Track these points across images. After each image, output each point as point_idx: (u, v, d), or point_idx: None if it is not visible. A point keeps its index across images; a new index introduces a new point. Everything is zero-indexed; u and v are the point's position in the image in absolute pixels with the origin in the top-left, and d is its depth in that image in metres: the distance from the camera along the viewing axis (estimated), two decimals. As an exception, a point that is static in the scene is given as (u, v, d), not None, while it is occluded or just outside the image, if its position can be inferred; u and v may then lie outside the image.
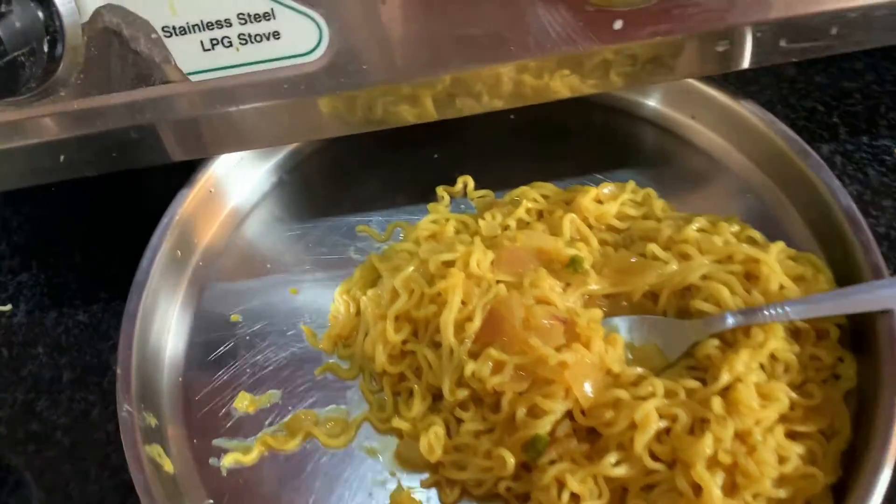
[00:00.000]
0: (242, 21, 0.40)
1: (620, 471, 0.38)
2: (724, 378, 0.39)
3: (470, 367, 0.40)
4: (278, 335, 0.46)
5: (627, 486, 0.39)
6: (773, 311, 0.40)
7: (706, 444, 0.37)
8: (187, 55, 0.41)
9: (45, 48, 0.38)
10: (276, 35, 0.40)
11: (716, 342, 0.41)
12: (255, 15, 0.40)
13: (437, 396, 0.43)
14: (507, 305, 0.42)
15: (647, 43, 0.43)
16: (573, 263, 0.44)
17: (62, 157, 0.44)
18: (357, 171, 0.52)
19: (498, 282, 0.43)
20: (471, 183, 0.51)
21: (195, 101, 0.42)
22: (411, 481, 0.42)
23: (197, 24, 0.40)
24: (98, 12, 0.39)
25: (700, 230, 0.45)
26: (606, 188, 0.48)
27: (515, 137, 0.52)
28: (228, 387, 0.45)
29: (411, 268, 0.44)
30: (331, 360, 0.45)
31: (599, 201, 0.48)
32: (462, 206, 0.51)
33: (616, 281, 0.44)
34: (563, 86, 0.45)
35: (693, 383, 0.40)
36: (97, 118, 0.42)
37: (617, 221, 0.47)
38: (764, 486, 0.37)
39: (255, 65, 0.41)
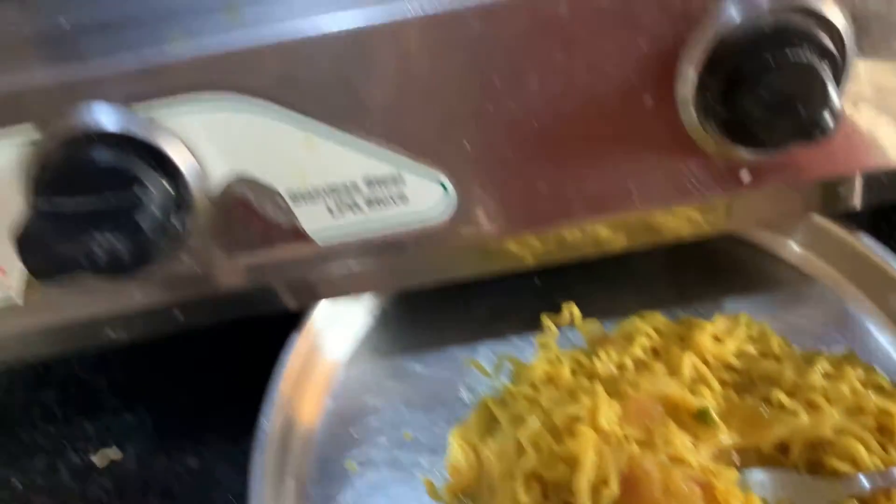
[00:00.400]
0: (369, 184, 0.40)
1: None
2: None
3: None
4: (399, 483, 0.46)
5: None
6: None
7: None
8: (313, 218, 0.40)
9: (176, 223, 0.38)
10: (402, 198, 0.40)
11: (854, 502, 0.41)
12: (382, 179, 0.40)
13: None
14: (643, 469, 0.41)
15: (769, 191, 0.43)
16: (702, 415, 0.43)
17: (179, 315, 0.44)
18: (458, 299, 0.52)
19: (628, 438, 0.42)
20: (576, 311, 0.50)
21: (318, 262, 0.42)
22: None
23: (324, 189, 0.40)
24: (226, 181, 0.39)
25: (825, 375, 0.45)
26: (721, 323, 0.48)
27: (616, 261, 0.51)
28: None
29: (536, 422, 0.43)
30: (455, 513, 0.44)
31: (717, 338, 0.47)
32: (569, 334, 0.50)
33: (745, 433, 0.43)
34: (680, 227, 0.45)
35: None
36: (219, 280, 0.42)
37: (735, 360, 0.47)
38: None
39: (381, 226, 0.41)
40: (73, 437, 0.50)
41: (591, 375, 0.47)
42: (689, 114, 0.38)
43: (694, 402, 0.44)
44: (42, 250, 0.35)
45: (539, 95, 0.38)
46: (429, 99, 0.38)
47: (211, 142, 0.38)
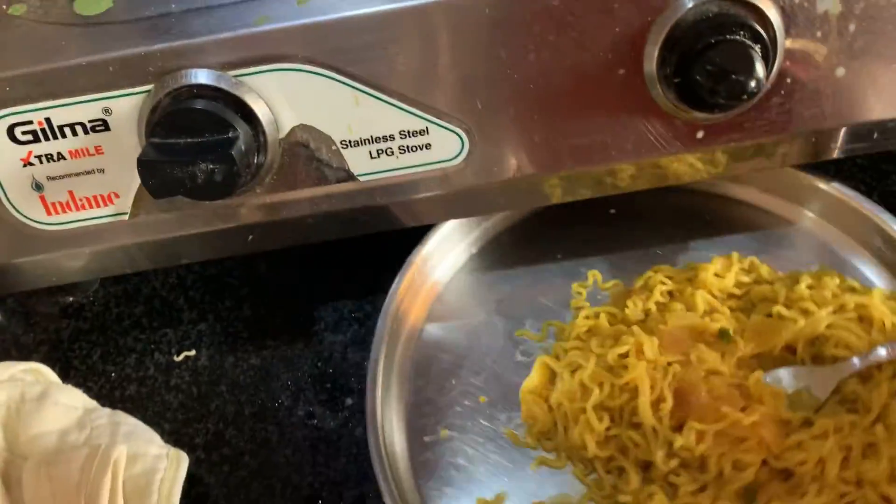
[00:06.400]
0: (403, 136, 0.51)
1: (822, 499, 0.48)
2: (876, 408, 0.50)
3: (679, 441, 0.49)
4: (484, 440, 0.54)
5: None
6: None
7: (884, 465, 0.48)
8: (358, 161, 0.52)
9: (255, 159, 0.49)
10: (428, 146, 0.51)
11: (855, 379, 0.52)
12: (413, 131, 0.51)
13: (644, 468, 0.51)
14: (689, 382, 0.51)
15: (724, 148, 0.53)
16: (723, 335, 0.54)
17: (250, 237, 0.55)
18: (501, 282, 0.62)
19: (669, 363, 0.53)
20: (599, 276, 0.61)
21: (361, 196, 0.53)
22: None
23: (367, 139, 0.51)
24: (293, 130, 0.50)
25: (809, 287, 0.56)
26: (718, 262, 0.58)
27: (619, 231, 0.63)
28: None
29: (592, 363, 0.53)
30: (539, 454, 0.53)
31: (717, 275, 0.58)
32: (598, 296, 0.59)
33: (758, 342, 0.54)
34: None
35: (851, 417, 0.50)
36: (283, 209, 0.53)
37: (736, 290, 0.57)
38: None
39: (410, 168, 0.52)
40: (157, 342, 0.62)
41: (625, 322, 0.57)
42: (654, 83, 0.49)
43: (713, 326, 0.54)
44: (156, 173, 0.46)
45: (535, 67, 0.49)
46: (449, 69, 0.49)
47: (282, 98, 0.49)
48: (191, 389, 0.59)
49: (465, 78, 0.49)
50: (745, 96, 0.45)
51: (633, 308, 0.57)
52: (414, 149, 0.51)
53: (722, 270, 0.58)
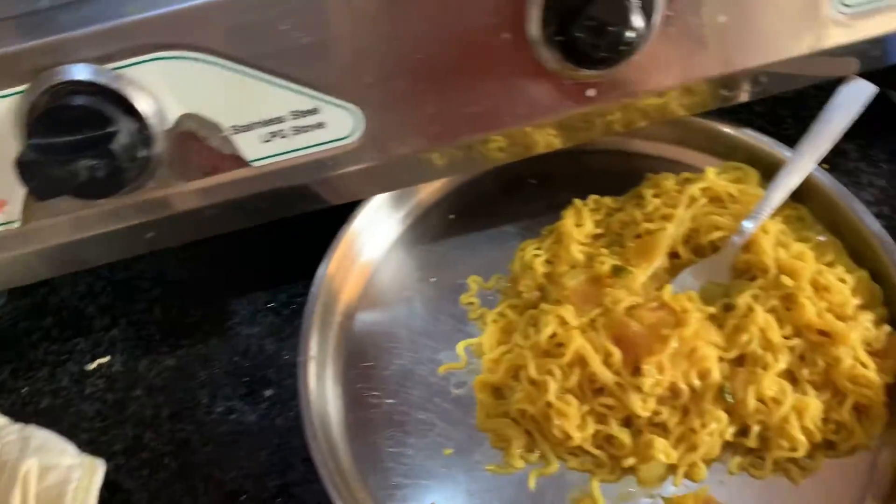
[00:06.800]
0: (294, 117, 0.50)
1: (781, 364, 0.51)
2: (772, 264, 0.54)
3: (646, 381, 0.50)
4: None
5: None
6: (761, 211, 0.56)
7: (807, 307, 0.51)
8: (250, 146, 0.51)
9: (141, 153, 0.48)
10: (321, 125, 0.50)
11: (739, 253, 0.55)
12: (304, 111, 0.50)
13: (627, 425, 0.52)
14: (620, 325, 0.52)
15: (615, 104, 0.54)
16: (618, 271, 0.55)
17: (149, 235, 0.54)
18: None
19: (593, 320, 0.53)
20: (479, 280, 0.60)
21: (258, 182, 0.52)
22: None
23: (257, 122, 0.50)
24: (180, 119, 0.49)
25: (655, 196, 0.59)
26: (570, 214, 0.59)
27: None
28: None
29: (530, 358, 0.53)
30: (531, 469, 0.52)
31: (578, 225, 0.59)
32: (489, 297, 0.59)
33: (647, 262, 0.55)
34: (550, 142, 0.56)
35: (758, 282, 0.54)
36: (179, 202, 0.52)
37: (598, 229, 0.59)
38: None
39: (305, 150, 0.51)
40: (69, 352, 0.60)
41: (529, 305, 0.57)
42: (538, 45, 0.49)
43: (605, 267, 0.55)
44: (37, 174, 0.45)
45: (420, 37, 0.48)
46: (333, 44, 0.48)
47: (165, 88, 0.48)
48: (106, 396, 0.57)
49: (352, 53, 0.49)
50: (623, 47, 0.46)
51: (527, 290, 0.57)
52: (307, 129, 0.51)
53: (578, 219, 0.59)
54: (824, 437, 0.51)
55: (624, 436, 0.51)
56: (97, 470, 0.50)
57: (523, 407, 0.52)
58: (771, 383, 0.51)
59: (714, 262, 0.56)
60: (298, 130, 0.51)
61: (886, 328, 0.53)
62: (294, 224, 0.56)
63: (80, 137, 0.45)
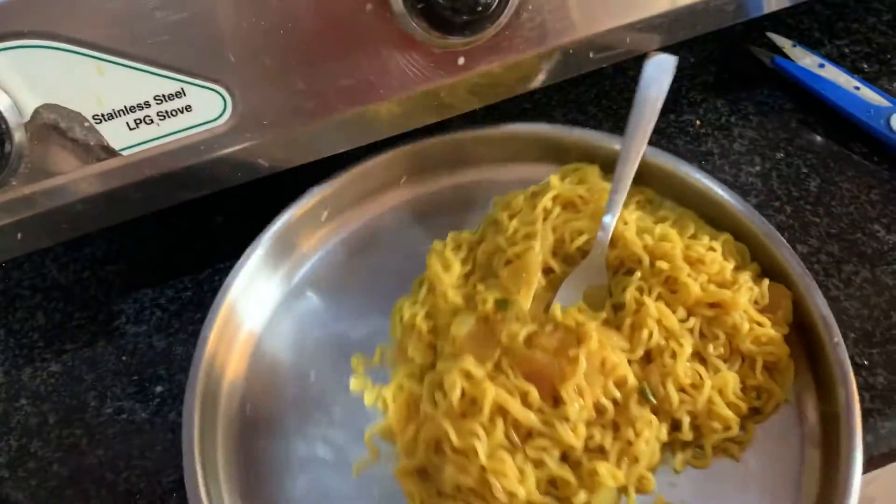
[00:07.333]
0: (159, 101, 0.49)
1: (689, 347, 0.51)
2: (643, 253, 0.53)
3: (570, 409, 0.48)
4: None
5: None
6: (613, 204, 0.55)
7: (690, 284, 0.51)
8: (116, 135, 0.49)
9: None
10: (188, 108, 0.49)
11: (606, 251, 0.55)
12: (169, 94, 0.49)
13: (565, 459, 0.49)
14: (525, 359, 0.49)
15: (485, 71, 0.54)
16: (500, 304, 0.52)
17: (19, 236, 0.52)
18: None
19: (497, 364, 0.50)
20: (362, 360, 0.55)
21: (129, 171, 0.51)
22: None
23: (121, 109, 0.49)
24: (37, 111, 0.47)
25: (510, 216, 0.56)
26: (435, 256, 0.56)
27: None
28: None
29: (448, 427, 0.48)
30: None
31: (444, 268, 0.55)
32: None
33: (525, 286, 0.52)
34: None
35: (636, 273, 0.53)
36: (46, 199, 0.50)
37: (466, 267, 0.56)
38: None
39: (174, 134, 0.50)
40: (-57, 367, 0.57)
41: (421, 369, 0.53)
42: (402, 15, 0.49)
43: (487, 305, 0.52)
44: None
45: (281, 12, 0.48)
46: (192, 24, 0.47)
47: (18, 79, 0.46)
48: (-12, 410, 0.55)
49: (212, 32, 0.48)
50: (480, 9, 0.46)
51: (418, 353, 0.54)
52: (174, 113, 0.49)
53: (443, 262, 0.56)
54: (749, 406, 0.51)
55: (566, 473, 0.48)
56: (-22, 483, 0.48)
57: (457, 481, 0.48)
58: (685, 370, 0.50)
59: (588, 267, 0.55)
60: (165, 115, 0.49)
61: (766, 281, 0.53)
62: (174, 216, 0.54)
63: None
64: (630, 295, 0.52)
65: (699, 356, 0.52)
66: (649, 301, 0.52)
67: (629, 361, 0.51)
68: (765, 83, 0.66)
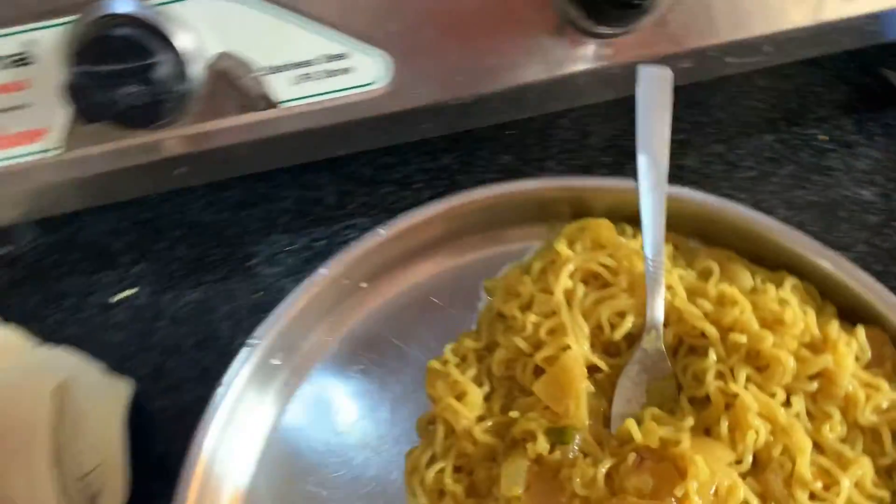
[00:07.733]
0: (325, 60, 0.53)
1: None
2: (705, 324, 0.44)
3: None
4: None
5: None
6: (655, 269, 0.45)
7: (786, 358, 0.42)
8: (280, 88, 0.53)
9: (178, 87, 0.50)
10: (350, 70, 0.53)
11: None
12: (334, 55, 0.53)
13: None
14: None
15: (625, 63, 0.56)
16: (556, 436, 0.41)
17: (178, 171, 0.57)
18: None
19: None
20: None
21: (285, 123, 0.55)
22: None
23: (289, 64, 0.53)
24: (215, 58, 0.51)
25: (522, 309, 0.46)
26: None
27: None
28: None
29: None
30: None
31: (460, 397, 0.45)
32: None
33: (573, 400, 0.42)
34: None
35: (712, 355, 0.43)
36: (210, 138, 0.55)
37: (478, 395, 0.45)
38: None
39: (333, 93, 0.54)
40: (95, 285, 0.62)
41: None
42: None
43: (541, 440, 0.41)
44: (85, 98, 0.47)
45: (449, -9, 0.51)
46: (366, -9, 0.51)
47: (204, 26, 0.50)
48: (131, 326, 0.60)
49: (383, 2, 0.51)
50: (638, 1, 0.49)
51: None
52: (336, 73, 0.53)
53: (454, 390, 0.45)
54: (891, 491, 0.42)
55: None
56: (125, 389, 0.53)
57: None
58: (807, 473, 0.40)
59: (644, 358, 0.43)
60: (328, 74, 0.53)
61: (860, 329, 0.44)
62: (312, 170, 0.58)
63: (122, 67, 0.48)
64: (714, 387, 0.42)
65: (816, 446, 0.42)
66: (742, 391, 0.41)
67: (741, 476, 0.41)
68: (894, 106, 0.67)
